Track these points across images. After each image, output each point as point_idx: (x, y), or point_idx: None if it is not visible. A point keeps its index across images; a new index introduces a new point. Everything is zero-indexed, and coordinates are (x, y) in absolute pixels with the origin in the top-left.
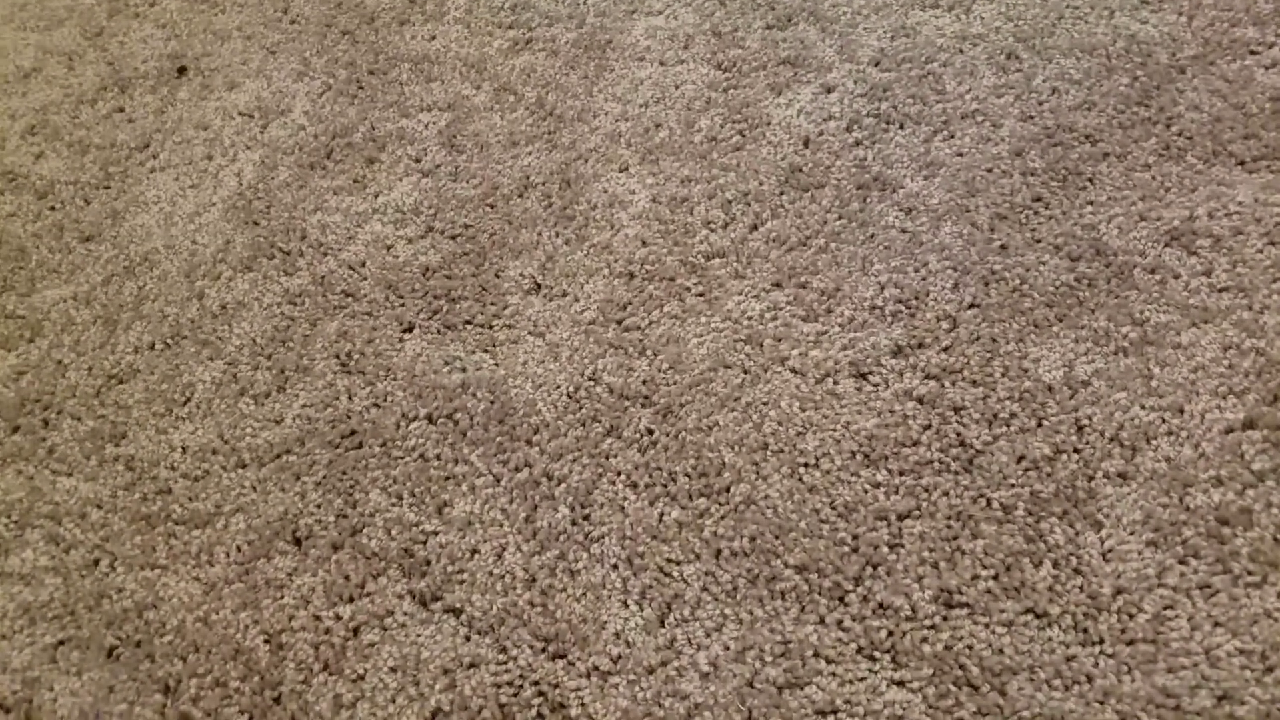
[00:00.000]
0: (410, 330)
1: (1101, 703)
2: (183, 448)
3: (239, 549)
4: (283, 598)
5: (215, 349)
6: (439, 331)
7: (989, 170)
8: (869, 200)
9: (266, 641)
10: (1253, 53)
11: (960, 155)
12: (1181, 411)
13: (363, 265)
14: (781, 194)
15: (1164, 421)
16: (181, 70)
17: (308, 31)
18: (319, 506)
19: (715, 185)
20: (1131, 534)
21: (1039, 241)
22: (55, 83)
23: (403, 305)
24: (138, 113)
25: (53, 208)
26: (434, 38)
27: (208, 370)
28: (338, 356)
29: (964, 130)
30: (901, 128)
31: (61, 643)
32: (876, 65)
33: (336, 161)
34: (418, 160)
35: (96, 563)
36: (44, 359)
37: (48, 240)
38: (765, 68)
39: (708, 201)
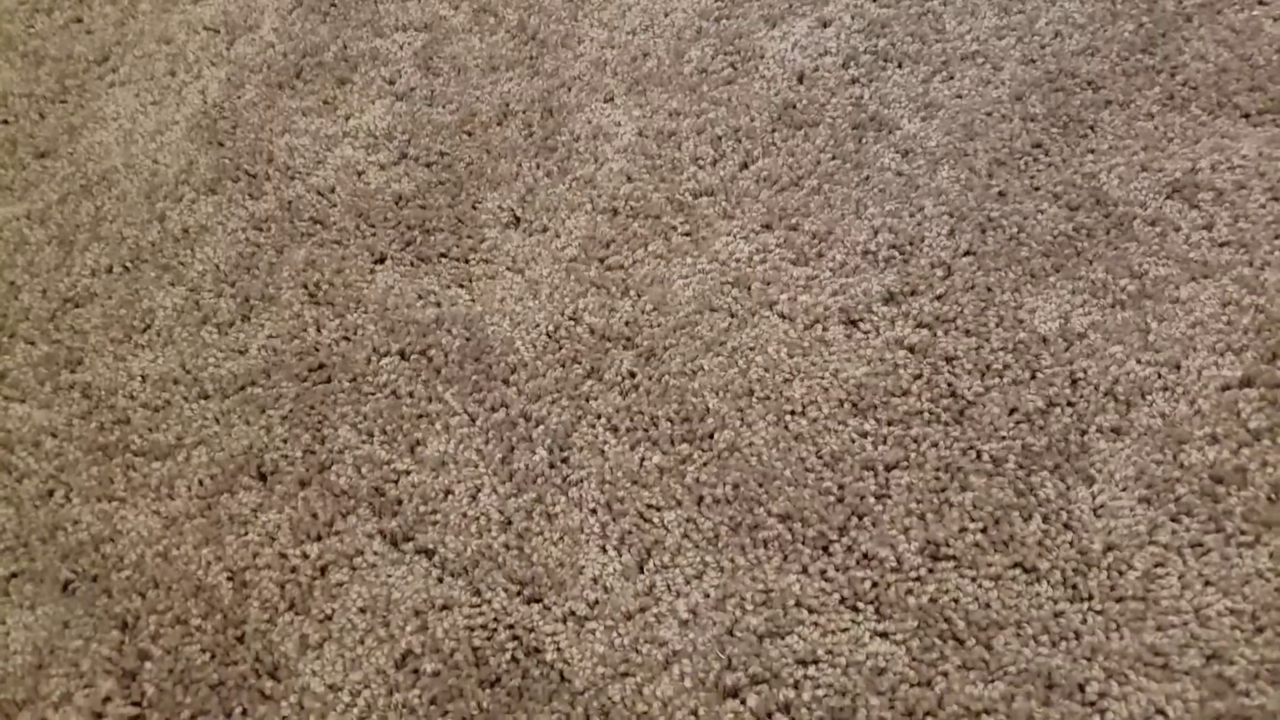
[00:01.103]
0: (382, 261)
1: (1089, 659)
2: (142, 376)
3: (201, 483)
4: (247, 534)
5: (177, 274)
6: (412, 264)
7: (988, 114)
8: (864, 141)
9: (230, 579)
10: (1261, 3)
11: (959, 97)
12: (1178, 367)
13: (332, 191)
14: (773, 131)
15: (1160, 377)
16: None
17: None
18: (285, 441)
19: (705, 120)
20: (1124, 490)
21: (1038, 189)
22: None
23: (374, 235)
24: (96, 24)
25: (5, 121)
26: None
27: (169, 296)
28: (305, 286)
29: (964, 72)
30: (900, 66)
31: (14, 575)
32: (875, 1)
33: (306, 82)
34: (391, 83)
35: (51, 493)
36: None
37: (0, 155)
38: None
39: (696, 137)
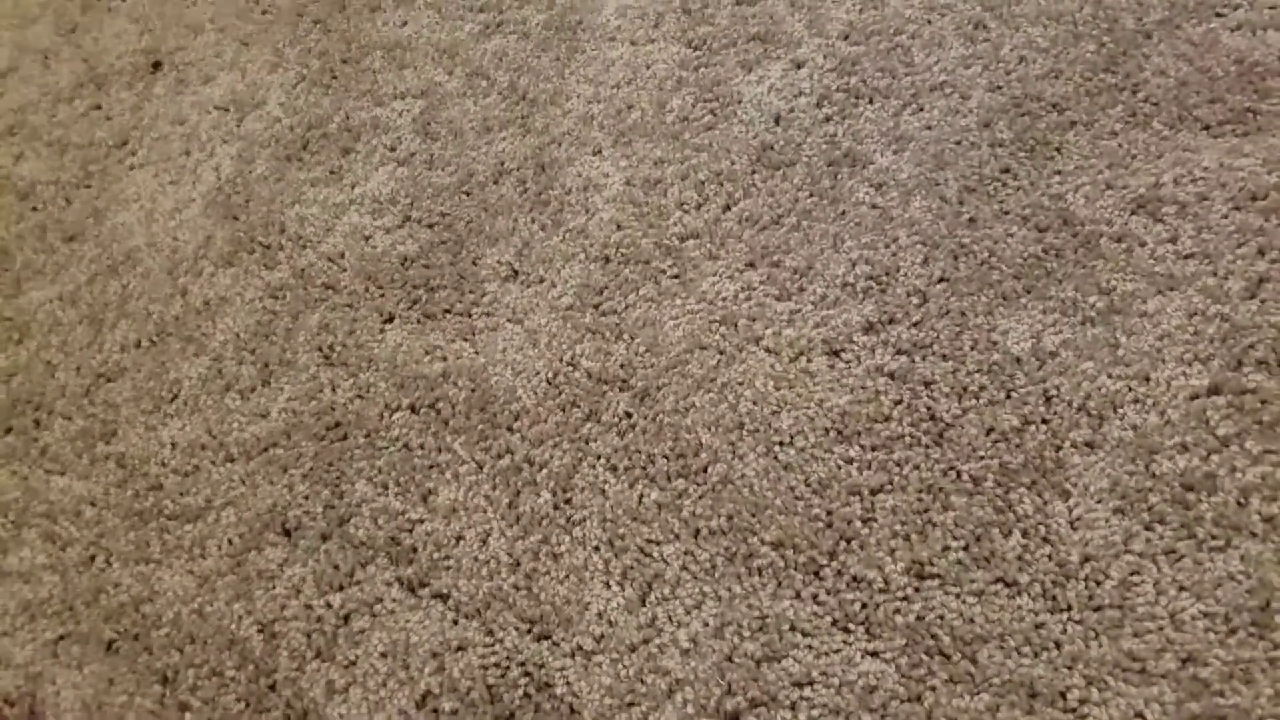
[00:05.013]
0: (391, 321)
1: (1070, 668)
2: (172, 444)
3: (230, 542)
4: (274, 588)
5: (200, 345)
6: (419, 321)
7: (958, 143)
8: (840, 177)
9: (260, 631)
10: (1218, 15)
11: (929, 128)
12: (1148, 379)
13: (342, 257)
14: (753, 173)
15: (1130, 390)
16: (156, 65)
17: (280, 21)
18: (307, 498)
19: (688, 166)
20: (1099, 502)
21: (1007, 213)
22: (32, 81)
23: (382, 296)
24: (115, 110)
25: (35, 208)
26: (405, 24)
27: (193, 366)
28: (320, 349)
29: (933, 103)
30: (871, 102)
31: (62, 638)
32: (846, 39)
33: (313, 153)
34: (393, 149)
35: (93, 559)
36: (33, 360)
37: (31, 241)
38: (735, 44)
39: (681, 183)
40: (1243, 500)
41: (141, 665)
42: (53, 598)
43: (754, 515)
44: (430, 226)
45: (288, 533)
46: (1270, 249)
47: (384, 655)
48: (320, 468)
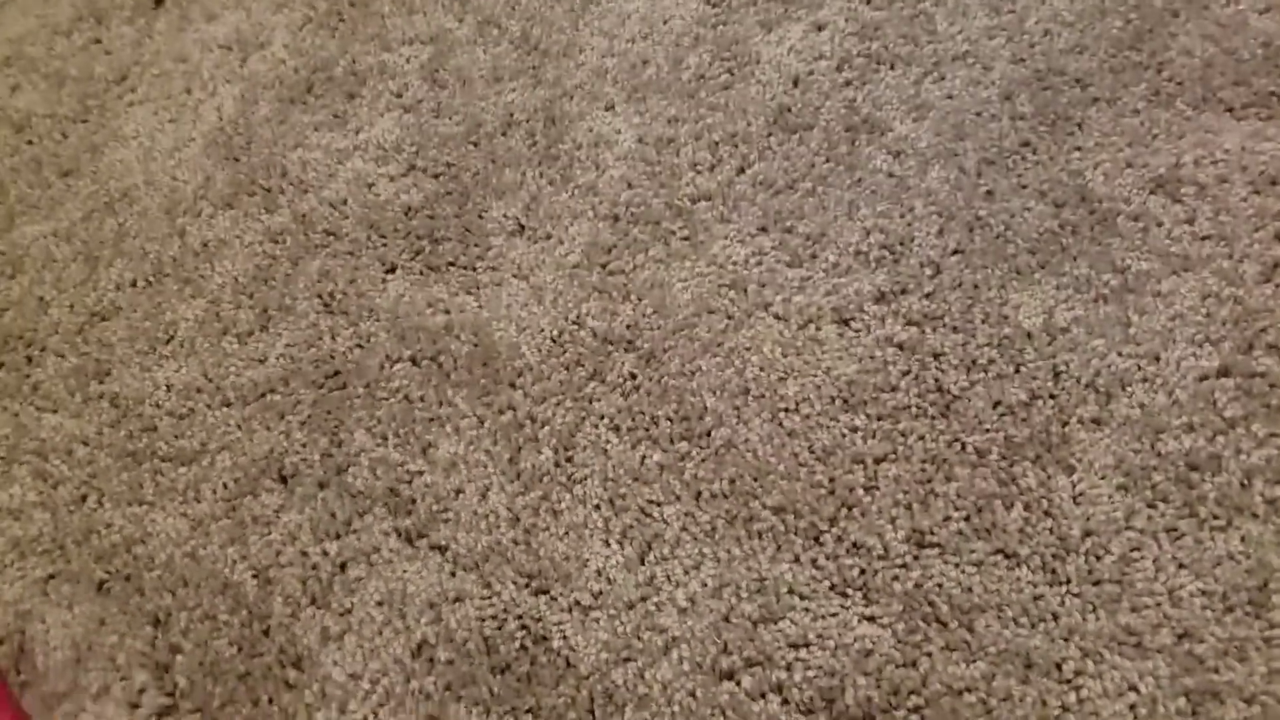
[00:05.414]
0: (393, 271)
1: (1066, 640)
2: (167, 386)
3: (225, 486)
4: (270, 534)
5: (197, 287)
6: (422, 273)
7: (978, 114)
8: (857, 143)
9: (254, 576)
10: None
11: (950, 98)
12: (1158, 359)
13: (344, 204)
14: (769, 135)
15: (1140, 369)
16: (159, 1)
17: None
18: (304, 445)
19: (702, 125)
20: (1102, 478)
21: (1025, 187)
22: (30, 13)
23: (385, 245)
24: (115, 44)
25: (30, 142)
26: None
27: (190, 308)
28: (320, 296)
29: (954, 72)
30: (892, 68)
31: (52, 576)
32: (868, 3)
33: (317, 96)
34: (399, 95)
35: (84, 498)
36: (25, 295)
37: (26, 175)
38: (755, 3)
39: (694, 142)
40: (1246, 482)
41: (133, 606)
42: (43, 535)
43: (756, 480)
44: (436, 176)
45: (284, 479)
46: None
47: (380, 604)
48: (319, 416)
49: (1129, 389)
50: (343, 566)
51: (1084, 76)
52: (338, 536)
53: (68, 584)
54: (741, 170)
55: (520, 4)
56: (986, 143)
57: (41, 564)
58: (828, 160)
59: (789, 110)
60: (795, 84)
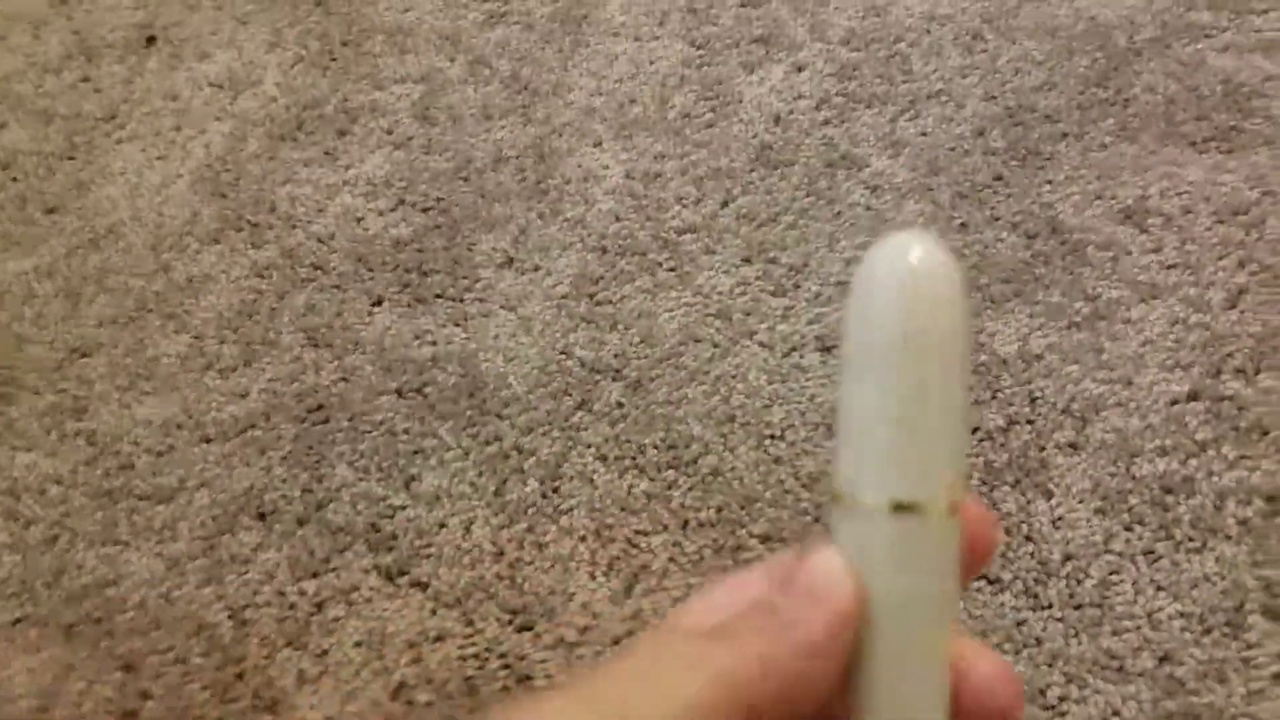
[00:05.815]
0: (380, 303)
1: (1050, 665)
2: (146, 422)
3: (202, 524)
4: (247, 573)
5: (181, 322)
6: (409, 305)
7: (951, 149)
8: (836, 178)
9: (230, 617)
10: (1207, 36)
11: (924, 135)
12: (1130, 384)
13: (332, 238)
14: (752, 171)
15: (1113, 394)
16: (150, 40)
17: (280, 1)
18: (284, 481)
19: (688, 161)
20: (1080, 502)
21: (998, 219)
22: (19, 50)
23: (372, 278)
24: (104, 82)
25: (15, 178)
26: (408, 9)
27: (173, 344)
28: (305, 330)
29: (929, 110)
30: (869, 107)
31: (18, 620)
32: (846, 45)
33: (308, 133)
34: (390, 132)
35: (56, 539)
36: (3, 332)
37: (10, 211)
38: (738, 45)
39: (680, 178)
40: (1219, 503)
41: (103, 651)
42: (11, 578)
43: (743, 508)
44: (425, 211)
45: (262, 516)
46: (1250, 261)
47: (358, 644)
48: (300, 450)
49: (1103, 414)
50: (320, 606)
51: (1053, 113)
52: (316, 575)
53: (35, 628)
54: (725, 204)
55: (511, 45)
56: (960, 177)
57: (8, 608)
58: (808, 194)
59: (770, 147)
60: (776, 122)
